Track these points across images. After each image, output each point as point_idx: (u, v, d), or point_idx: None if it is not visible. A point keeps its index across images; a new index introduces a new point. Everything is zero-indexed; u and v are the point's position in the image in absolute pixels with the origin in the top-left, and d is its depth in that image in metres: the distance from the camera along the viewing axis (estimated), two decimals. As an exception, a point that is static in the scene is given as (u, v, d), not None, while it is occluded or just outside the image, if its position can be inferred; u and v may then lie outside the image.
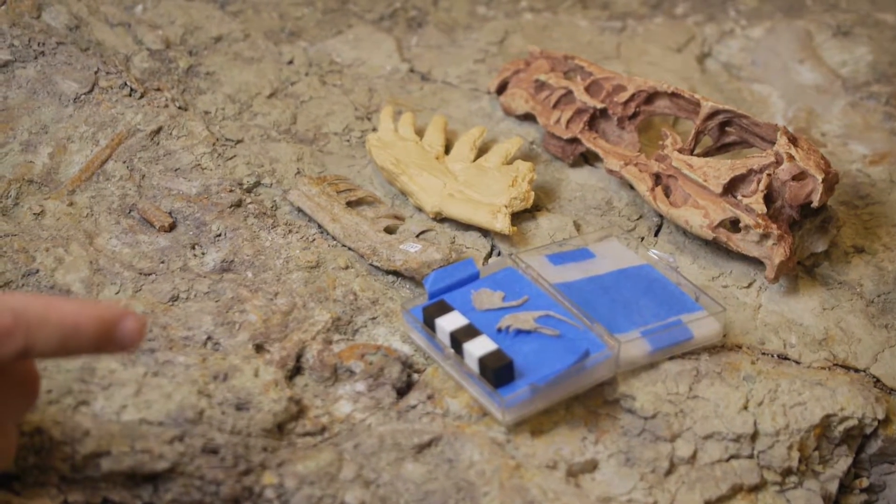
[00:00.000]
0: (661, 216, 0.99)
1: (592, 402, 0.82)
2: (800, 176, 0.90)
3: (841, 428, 0.83)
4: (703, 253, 0.95)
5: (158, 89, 1.07)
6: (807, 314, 0.91)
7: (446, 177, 0.98)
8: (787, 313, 0.91)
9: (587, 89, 1.05)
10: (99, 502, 0.74)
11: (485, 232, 0.96)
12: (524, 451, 0.78)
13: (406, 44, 1.21)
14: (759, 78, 1.21)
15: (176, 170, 0.99)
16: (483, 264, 0.93)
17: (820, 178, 0.89)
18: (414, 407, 0.80)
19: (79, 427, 0.74)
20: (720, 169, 0.92)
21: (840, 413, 0.83)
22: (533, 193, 0.96)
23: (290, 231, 0.94)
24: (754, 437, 0.81)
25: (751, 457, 0.80)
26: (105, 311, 0.65)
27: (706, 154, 0.98)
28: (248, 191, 0.98)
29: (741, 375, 0.84)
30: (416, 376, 0.83)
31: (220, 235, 0.92)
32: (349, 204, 0.96)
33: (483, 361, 0.78)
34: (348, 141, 1.06)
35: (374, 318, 0.87)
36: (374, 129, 1.07)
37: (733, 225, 0.92)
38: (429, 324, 0.83)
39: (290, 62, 1.15)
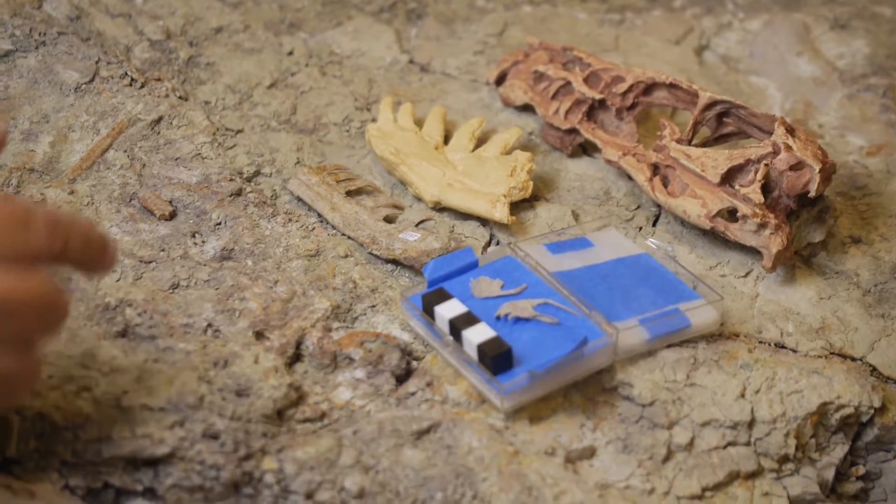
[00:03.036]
0: (658, 206, 0.99)
1: (590, 389, 0.82)
2: (797, 166, 0.91)
3: (837, 416, 0.83)
4: (701, 242, 0.96)
5: (159, 79, 1.07)
6: (804, 303, 0.91)
7: (445, 167, 0.98)
8: (784, 302, 0.91)
9: (586, 80, 1.05)
10: (100, 487, 0.74)
11: (484, 221, 0.96)
12: (522, 437, 0.79)
13: (405, 35, 1.21)
14: (756, 70, 1.21)
15: (176, 159, 0.99)
16: (482, 253, 0.93)
17: (817, 168, 0.90)
18: (413, 394, 0.81)
19: (80, 412, 0.75)
20: (718, 159, 0.93)
21: (837, 401, 0.83)
22: (531, 183, 0.97)
23: (289, 220, 0.94)
24: (751, 424, 0.81)
25: (748, 444, 0.81)
26: (103, 232, 0.71)
27: (704, 144, 0.98)
28: (248, 180, 0.99)
29: (738, 363, 0.84)
30: (415, 363, 0.84)
31: (220, 224, 0.92)
32: (349, 193, 0.97)
33: (482, 348, 0.79)
34: (348, 131, 1.07)
35: (373, 306, 0.88)
36: (374, 120, 1.08)
37: (731, 215, 0.92)
38: (428, 311, 0.83)
39: (291, 53, 1.15)
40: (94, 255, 0.70)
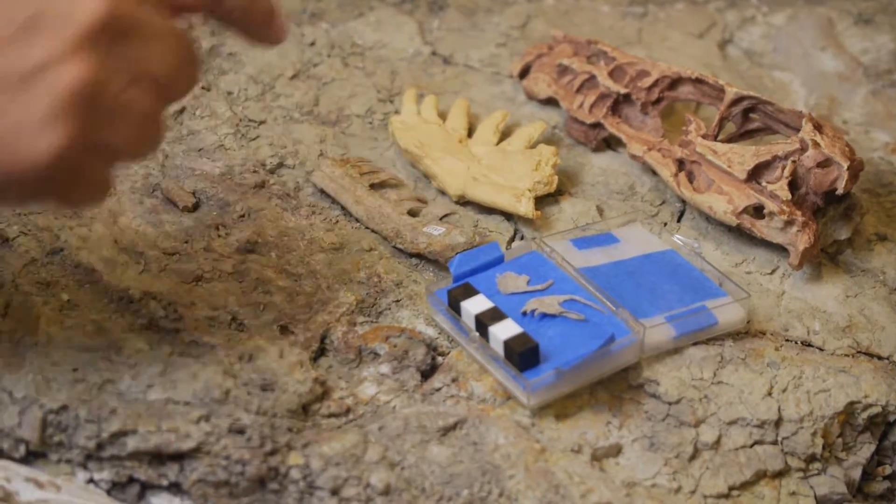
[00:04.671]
0: (683, 202, 0.98)
1: (617, 386, 0.82)
2: (825, 163, 0.90)
3: (864, 415, 0.83)
4: (727, 239, 0.95)
5: (181, 69, 1.06)
6: (830, 301, 0.91)
7: (470, 160, 0.97)
8: (810, 300, 0.91)
9: (610, 74, 1.04)
10: (125, 481, 0.74)
11: (508, 215, 0.96)
12: (549, 434, 0.78)
13: (428, 27, 1.21)
14: (780, 65, 1.20)
15: (199, 150, 0.99)
16: (506, 248, 0.93)
17: (845, 165, 0.89)
18: (438, 389, 0.80)
19: (105, 405, 0.74)
20: (744, 155, 0.92)
21: (864, 400, 0.83)
22: (556, 178, 0.96)
23: (313, 212, 0.94)
24: (778, 423, 0.81)
25: (775, 443, 0.80)
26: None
27: (730, 140, 0.98)
28: (272, 172, 0.98)
29: (765, 362, 0.84)
30: (440, 359, 0.83)
31: (243, 216, 0.92)
32: (372, 186, 0.96)
33: (508, 345, 0.78)
34: (371, 123, 1.06)
35: (398, 301, 0.87)
36: (397, 112, 1.07)
37: (757, 211, 0.91)
38: (454, 307, 0.83)
39: (312, 44, 1.15)
40: (256, 17, 0.71)
